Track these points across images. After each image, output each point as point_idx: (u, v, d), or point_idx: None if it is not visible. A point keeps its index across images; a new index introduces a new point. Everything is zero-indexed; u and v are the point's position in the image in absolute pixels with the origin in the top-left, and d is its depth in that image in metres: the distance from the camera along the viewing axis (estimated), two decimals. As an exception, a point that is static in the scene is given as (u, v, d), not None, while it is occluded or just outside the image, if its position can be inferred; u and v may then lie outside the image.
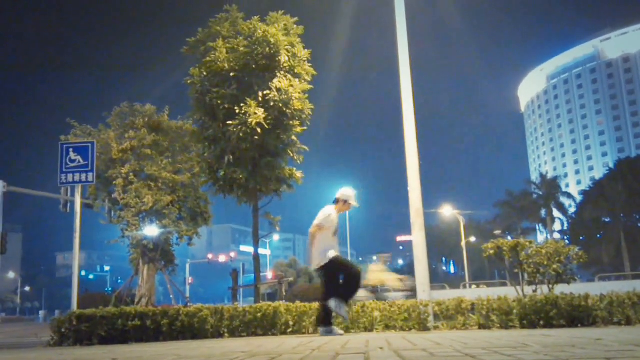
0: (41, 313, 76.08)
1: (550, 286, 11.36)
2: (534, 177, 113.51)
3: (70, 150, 14.33)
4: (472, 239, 74.82)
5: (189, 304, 19.81)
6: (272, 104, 15.66)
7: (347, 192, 9.26)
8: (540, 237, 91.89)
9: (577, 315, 8.96)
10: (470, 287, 46.64)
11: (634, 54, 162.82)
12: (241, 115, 15.38)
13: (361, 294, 9.53)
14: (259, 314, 9.86)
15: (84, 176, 14.23)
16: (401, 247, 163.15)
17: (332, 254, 8.72)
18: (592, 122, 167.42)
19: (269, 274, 60.85)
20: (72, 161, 14.18)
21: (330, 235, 8.86)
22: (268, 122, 15.47)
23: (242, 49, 16.19)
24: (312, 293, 34.66)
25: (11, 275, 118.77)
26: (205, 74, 16.37)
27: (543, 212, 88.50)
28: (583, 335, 6.25)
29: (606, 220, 75.56)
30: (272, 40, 16.01)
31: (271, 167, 16.36)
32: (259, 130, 15.30)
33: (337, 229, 9.03)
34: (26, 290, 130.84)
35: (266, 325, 9.84)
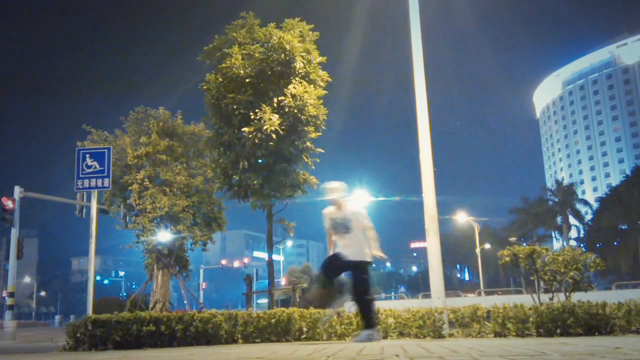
0: (56, 318, 76.48)
1: (567, 294, 11.27)
2: (550, 183, 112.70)
3: (87, 156, 14.40)
4: (487, 245, 74.60)
5: (202, 309, 19.84)
6: (287, 110, 15.69)
7: (324, 187, 9.09)
8: (556, 245, 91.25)
9: (594, 324, 8.88)
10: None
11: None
12: (256, 121, 15.43)
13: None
14: (272, 320, 9.84)
15: (100, 182, 14.30)
16: (415, 254, 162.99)
17: (330, 252, 8.73)
18: (609, 128, 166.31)
19: (282, 280, 60.85)
20: (89, 167, 14.25)
21: (330, 230, 8.79)
22: (283, 128, 15.51)
23: (257, 55, 16.24)
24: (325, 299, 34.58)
25: (27, 280, 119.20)
26: (221, 79, 16.44)
27: (559, 219, 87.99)
28: (601, 343, 6.19)
29: (623, 227, 75.01)
30: (287, 46, 16.05)
31: (286, 173, 16.40)
32: (273, 136, 15.34)
33: (335, 225, 8.76)
34: (42, 295, 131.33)
35: (280, 332, 9.82)
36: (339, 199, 8.83)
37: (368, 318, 8.56)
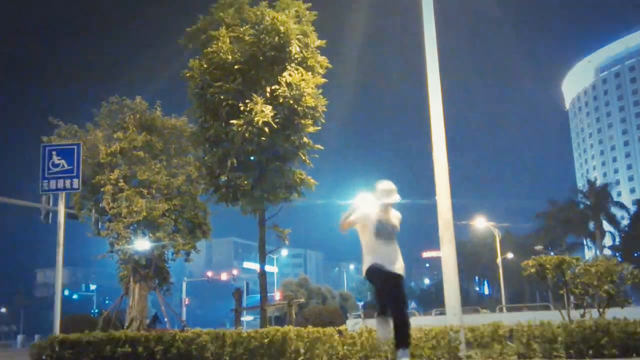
0: (19, 338, 76.38)
1: (601, 310, 11.29)
2: (581, 184, 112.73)
3: (54, 153, 14.37)
4: (510, 255, 74.53)
5: (185, 328, 19.83)
6: (281, 100, 15.70)
7: (378, 188, 8.99)
8: (588, 254, 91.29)
9: (632, 344, 8.89)
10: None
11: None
12: (246, 113, 15.44)
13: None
14: (265, 340, 9.86)
15: (68, 182, 14.28)
16: (427, 265, 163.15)
17: (369, 260, 8.58)
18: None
19: (276, 295, 60.90)
20: (56, 165, 14.23)
21: (371, 236, 8.65)
22: (277, 121, 15.52)
23: (247, 38, 16.25)
24: (325, 316, 34.61)
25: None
26: (206, 66, 16.45)
27: (591, 224, 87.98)
28: (639, 366, 6.21)
29: (664, 234, 75.05)
30: (281, 28, 16.06)
31: (280, 173, 16.41)
32: (266, 130, 15.34)
33: (382, 230, 8.68)
34: (1, 311, 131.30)
35: (274, 353, 9.83)
36: (389, 203, 8.80)
37: (408, 335, 8.56)
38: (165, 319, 30.84)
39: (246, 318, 55.43)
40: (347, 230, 8.69)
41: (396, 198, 8.74)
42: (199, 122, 17.38)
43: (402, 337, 8.34)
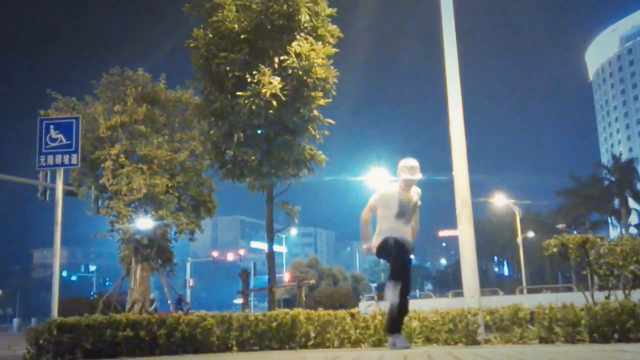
0: (15, 321, 77.04)
1: (627, 291, 11.26)
2: (605, 159, 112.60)
3: (51, 127, 14.35)
4: (530, 234, 74.56)
5: (190, 311, 19.88)
6: (290, 71, 15.65)
7: (400, 164, 9.06)
8: (613, 232, 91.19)
9: (659, 327, 8.89)
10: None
11: None
12: (253, 85, 15.39)
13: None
14: (274, 324, 9.87)
15: (66, 158, 14.27)
16: (444, 244, 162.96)
17: (385, 236, 8.65)
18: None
19: (285, 276, 61.07)
20: (53, 140, 14.22)
21: (392, 216, 8.71)
22: (285, 93, 15.47)
23: (255, 6, 16.16)
24: (336, 298, 34.80)
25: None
26: (211, 36, 16.38)
27: (616, 202, 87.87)
28: (667, 351, 6.19)
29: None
30: (290, -5, 15.97)
31: (289, 147, 16.38)
32: (274, 103, 15.30)
33: (405, 210, 8.78)
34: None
35: (282, 337, 9.85)
36: (411, 181, 8.86)
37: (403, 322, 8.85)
38: (169, 302, 30.98)
39: (238, 301, 55.20)
40: (370, 219, 8.76)
41: (419, 176, 8.80)
42: (203, 95, 17.34)
43: (400, 323, 8.51)
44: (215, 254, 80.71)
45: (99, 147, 26.71)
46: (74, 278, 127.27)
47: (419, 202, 8.90)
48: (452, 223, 11.81)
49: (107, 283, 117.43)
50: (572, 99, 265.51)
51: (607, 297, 10.98)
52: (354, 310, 10.50)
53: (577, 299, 10.76)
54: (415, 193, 8.84)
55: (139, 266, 27.64)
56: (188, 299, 49.23)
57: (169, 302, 30.80)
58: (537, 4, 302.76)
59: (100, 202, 28.21)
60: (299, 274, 50.03)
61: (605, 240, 12.09)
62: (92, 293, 66.05)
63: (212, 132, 17.07)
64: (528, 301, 11.21)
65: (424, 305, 11.81)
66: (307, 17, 16.24)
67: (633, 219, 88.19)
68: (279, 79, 15.44)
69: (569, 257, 12.07)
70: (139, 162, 26.45)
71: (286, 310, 10.42)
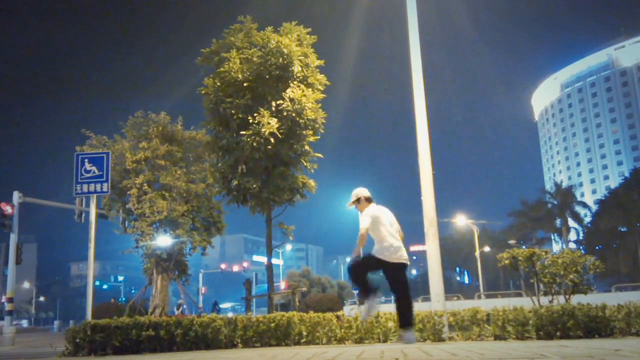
0: (56, 323, 76.25)
1: (567, 296, 11.27)
2: (549, 186, 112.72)
3: (86, 160, 14.40)
4: (487, 248, 74.54)
5: (202, 314, 19.81)
6: (285, 113, 15.67)
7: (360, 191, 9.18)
8: (556, 247, 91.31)
9: (594, 326, 8.88)
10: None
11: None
12: (255, 125, 15.41)
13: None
14: (272, 324, 9.85)
15: (99, 186, 14.30)
16: (414, 257, 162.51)
17: (379, 251, 8.63)
18: (607, 131, 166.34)
19: (282, 284, 60.83)
20: (88, 171, 14.24)
21: (382, 229, 8.66)
22: (281, 131, 15.49)
23: (255, 59, 16.21)
24: (325, 303, 34.54)
25: (26, 285, 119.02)
26: (219, 84, 16.40)
27: (558, 221, 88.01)
28: (601, 346, 6.18)
29: (622, 229, 75.01)
30: (285, 50, 16.02)
31: (284, 177, 16.38)
32: (272, 139, 15.32)
33: (394, 225, 8.86)
34: (41, 300, 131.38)
35: (279, 336, 9.82)
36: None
37: (414, 316, 8.83)
38: (185, 306, 30.80)
39: (225, 305, 54.43)
40: (365, 243, 8.68)
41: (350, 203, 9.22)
42: (213, 133, 17.34)
43: (410, 317, 8.46)
44: (223, 266, 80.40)
45: (126, 177, 26.74)
46: (105, 287, 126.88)
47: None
48: (421, 239, 11.80)
49: (133, 291, 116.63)
50: (521, 135, 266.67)
51: (551, 301, 11.00)
52: (339, 313, 10.48)
53: (526, 302, 10.76)
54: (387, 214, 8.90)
55: (160, 277, 27.56)
56: (201, 304, 48.92)
57: (184, 306, 30.61)
58: (492, 55, 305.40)
59: (127, 223, 28.12)
60: (293, 282, 49.91)
61: (549, 254, 12.11)
62: (120, 299, 65.59)
63: (220, 164, 17.06)
64: (485, 305, 11.19)
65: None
66: (299, 68, 16.30)
67: (572, 235, 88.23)
68: (276, 119, 15.47)
69: (519, 267, 12.09)
70: (161, 189, 26.50)
71: (283, 313, 10.39)
